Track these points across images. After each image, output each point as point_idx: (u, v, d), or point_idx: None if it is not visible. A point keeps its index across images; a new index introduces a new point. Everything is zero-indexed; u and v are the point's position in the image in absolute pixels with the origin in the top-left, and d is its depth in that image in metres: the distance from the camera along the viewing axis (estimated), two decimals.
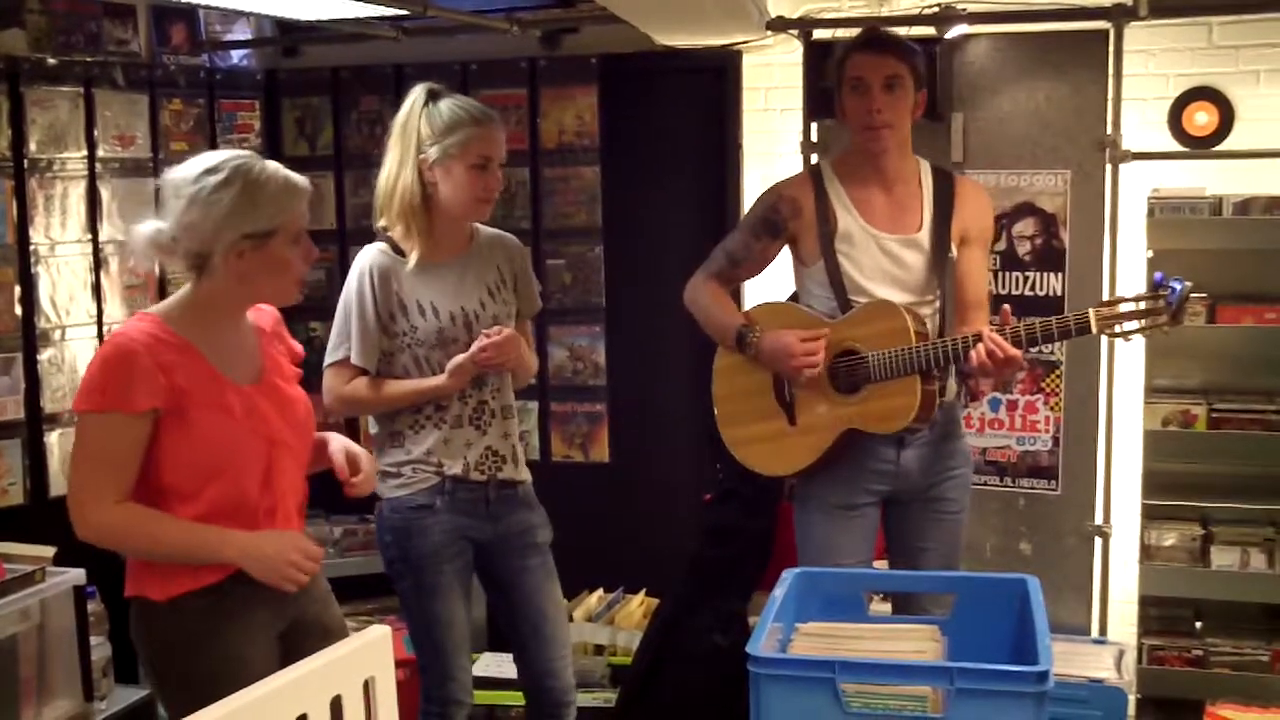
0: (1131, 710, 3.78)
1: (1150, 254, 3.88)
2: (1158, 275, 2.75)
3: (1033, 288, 4.04)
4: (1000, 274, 4.06)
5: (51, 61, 4.13)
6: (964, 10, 3.96)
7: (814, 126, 4.08)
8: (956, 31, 3.97)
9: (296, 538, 2.39)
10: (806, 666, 2.01)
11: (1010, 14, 3.93)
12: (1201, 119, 4.01)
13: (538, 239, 4.56)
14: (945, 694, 1.93)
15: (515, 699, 3.84)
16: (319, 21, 4.25)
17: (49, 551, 3.22)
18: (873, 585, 2.83)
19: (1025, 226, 4.04)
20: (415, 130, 2.90)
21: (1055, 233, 4.00)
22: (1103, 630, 4.04)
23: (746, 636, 2.07)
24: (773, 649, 2.09)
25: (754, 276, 3.27)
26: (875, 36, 3.08)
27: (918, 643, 2.18)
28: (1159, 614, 4.05)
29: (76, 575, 3.22)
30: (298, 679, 1.65)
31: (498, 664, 3.98)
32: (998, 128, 4.03)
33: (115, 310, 4.32)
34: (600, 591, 4.52)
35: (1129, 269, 3.92)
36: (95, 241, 4.25)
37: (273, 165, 2.36)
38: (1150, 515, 4.00)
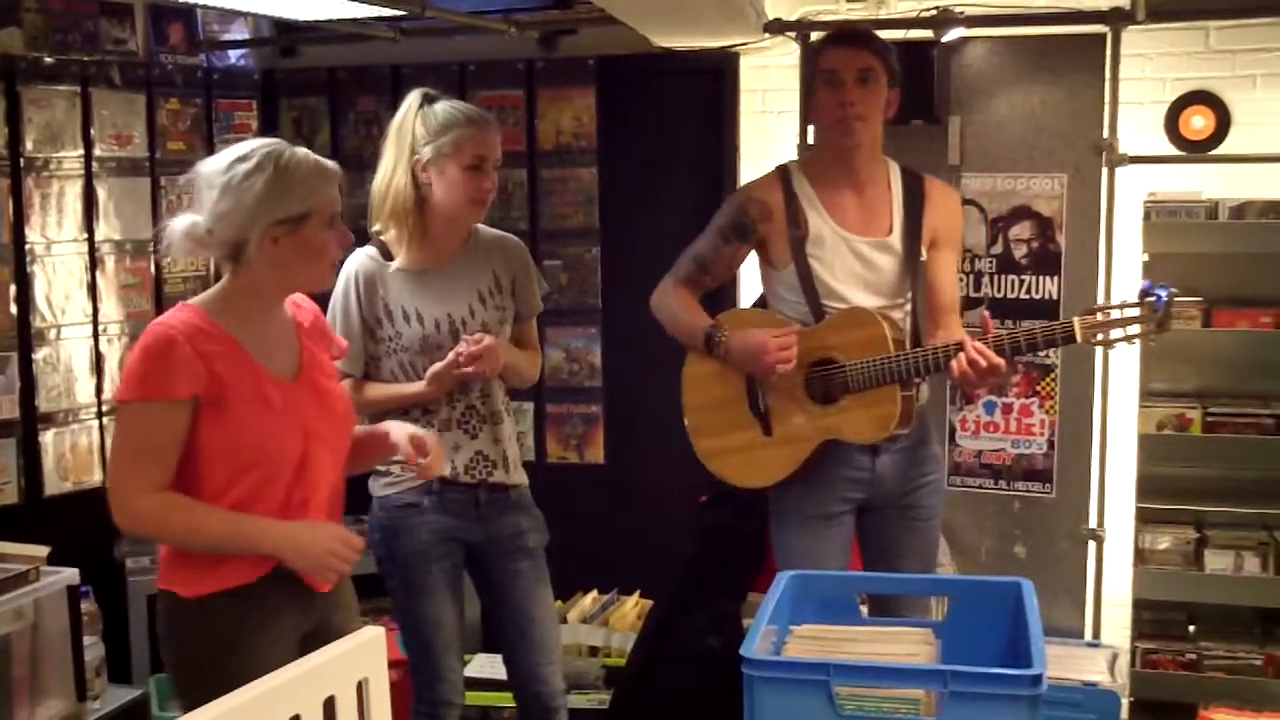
0: (1124, 714, 3.79)
1: (1146, 257, 3.89)
2: (1145, 283, 2.72)
3: (1029, 291, 4.04)
4: (996, 277, 4.07)
5: (48, 60, 4.13)
6: (961, 13, 3.97)
7: (810, 129, 4.08)
8: (954, 35, 3.98)
9: (337, 529, 2.39)
10: (800, 669, 2.00)
11: (1007, 17, 3.94)
12: (1198, 123, 4.02)
13: (535, 240, 4.56)
14: (939, 697, 1.93)
15: (509, 700, 3.83)
16: (317, 22, 4.25)
17: (43, 551, 3.22)
18: (868, 588, 2.82)
19: (1022, 230, 4.04)
20: (410, 131, 2.90)
21: (1051, 236, 4.01)
22: (1096, 633, 4.05)
23: (740, 638, 2.06)
24: (767, 651, 2.09)
25: (723, 281, 3.19)
26: (850, 31, 3.05)
27: (912, 646, 2.18)
28: (1152, 617, 4.06)
29: (70, 575, 3.21)
30: (291, 680, 1.65)
31: (491, 665, 3.97)
32: (995, 131, 4.03)
33: (111, 310, 4.32)
34: (595, 593, 4.52)
35: (1125, 272, 3.93)
36: (91, 241, 4.26)
37: (302, 150, 2.37)
38: (1144, 519, 4.01)
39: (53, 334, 4.16)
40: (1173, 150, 4.04)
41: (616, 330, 4.61)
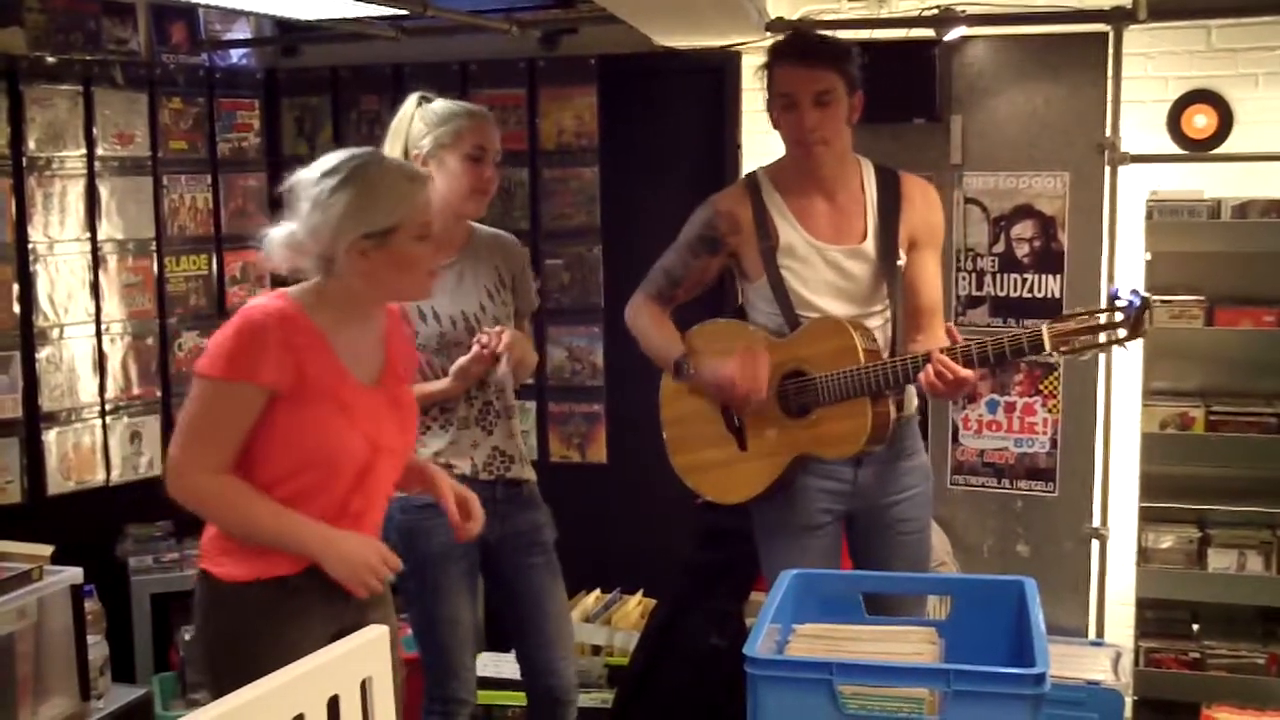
0: (1128, 712, 3.79)
1: (1149, 256, 3.88)
2: (1113, 289, 2.65)
3: (1031, 290, 4.04)
4: (999, 276, 4.07)
5: (51, 60, 4.13)
6: (963, 12, 3.96)
7: None
8: (956, 34, 3.98)
9: (379, 545, 2.39)
10: (803, 668, 2.00)
11: (1009, 16, 3.93)
12: (1200, 122, 4.01)
13: (536, 239, 4.56)
14: (942, 696, 1.93)
15: (514, 699, 3.85)
16: (318, 21, 4.25)
17: (46, 550, 3.22)
18: (872, 587, 2.82)
19: (1024, 229, 4.04)
20: (407, 128, 2.91)
21: (1054, 235, 4.01)
22: (1100, 632, 4.05)
23: (743, 637, 2.06)
24: (770, 650, 2.09)
25: (696, 294, 3.07)
26: (801, 45, 2.88)
27: (915, 645, 2.18)
28: (1156, 616, 4.05)
29: (74, 574, 3.22)
30: (295, 678, 1.65)
31: (496, 664, 3.98)
32: (997, 130, 4.03)
33: (113, 309, 4.32)
34: (597, 592, 4.52)
35: (1127, 271, 3.93)
36: (94, 240, 4.26)
37: (393, 161, 2.37)
38: (1147, 518, 4.00)
39: (55, 333, 4.17)
40: (1175, 149, 4.03)
41: (619, 329, 4.55)
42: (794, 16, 4.14)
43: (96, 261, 4.27)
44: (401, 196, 2.31)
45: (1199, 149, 4.01)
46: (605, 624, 4.30)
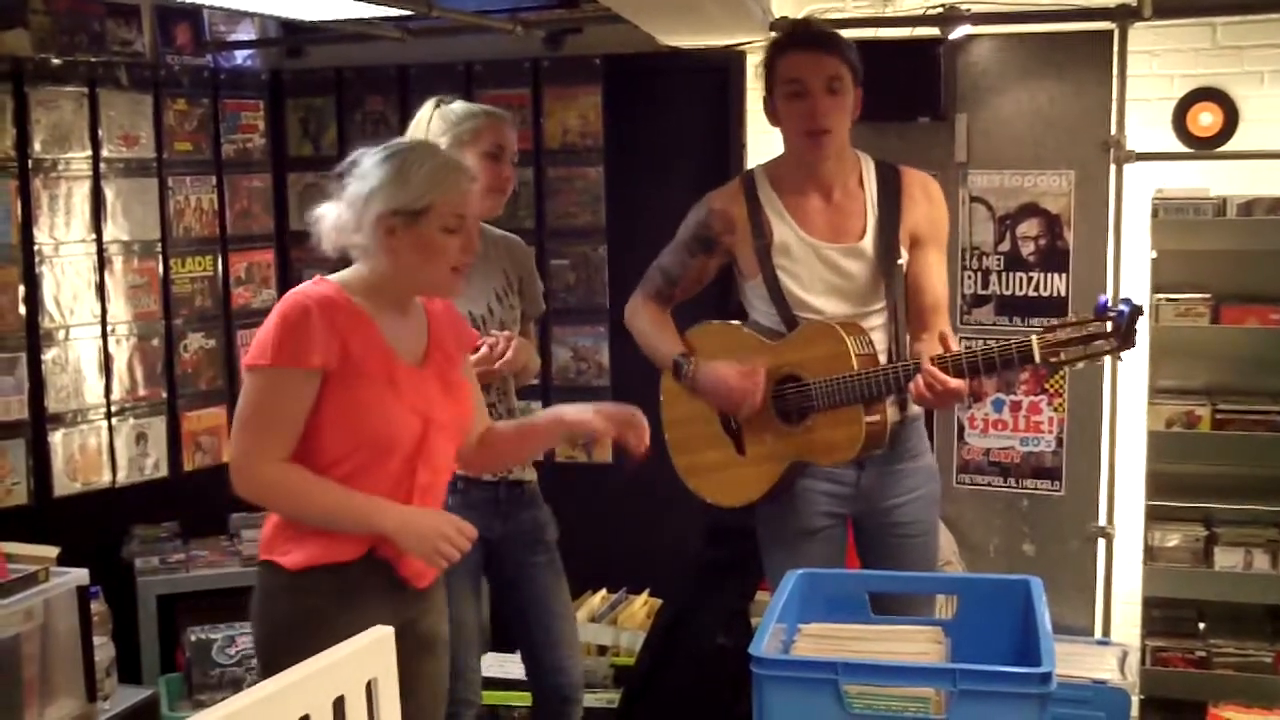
0: (1135, 711, 3.78)
1: (1154, 254, 3.88)
2: (1102, 298, 2.56)
3: (1036, 288, 4.04)
4: (1004, 274, 4.06)
5: (55, 62, 4.14)
6: (968, 10, 3.96)
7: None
8: (960, 32, 3.98)
9: (450, 515, 2.38)
10: (809, 668, 2.00)
11: (1014, 14, 3.93)
12: (1206, 120, 4.00)
13: (541, 239, 4.57)
14: (948, 695, 1.92)
15: (518, 699, 3.84)
16: (323, 22, 4.26)
17: (52, 552, 3.23)
18: (876, 586, 2.81)
19: (1029, 227, 4.04)
20: (426, 126, 2.92)
21: (1059, 233, 4.00)
22: (1106, 631, 4.05)
23: (749, 637, 2.06)
24: (775, 650, 2.09)
25: (695, 293, 3.03)
26: (812, 33, 2.85)
27: (921, 644, 2.18)
28: (1162, 615, 4.05)
29: (80, 575, 3.22)
30: (301, 679, 1.65)
31: (500, 664, 3.98)
32: (1002, 128, 4.03)
33: (119, 310, 4.33)
34: (603, 592, 4.52)
35: (1133, 270, 3.92)
36: (99, 241, 4.27)
37: (445, 153, 2.38)
38: (1154, 516, 4.00)
39: (61, 334, 4.17)
40: (1180, 147, 4.03)
41: (624, 329, 4.59)
42: (799, 15, 4.14)
43: (102, 263, 4.27)
44: (437, 181, 2.31)
45: (1204, 147, 4.01)
46: (611, 624, 4.30)
